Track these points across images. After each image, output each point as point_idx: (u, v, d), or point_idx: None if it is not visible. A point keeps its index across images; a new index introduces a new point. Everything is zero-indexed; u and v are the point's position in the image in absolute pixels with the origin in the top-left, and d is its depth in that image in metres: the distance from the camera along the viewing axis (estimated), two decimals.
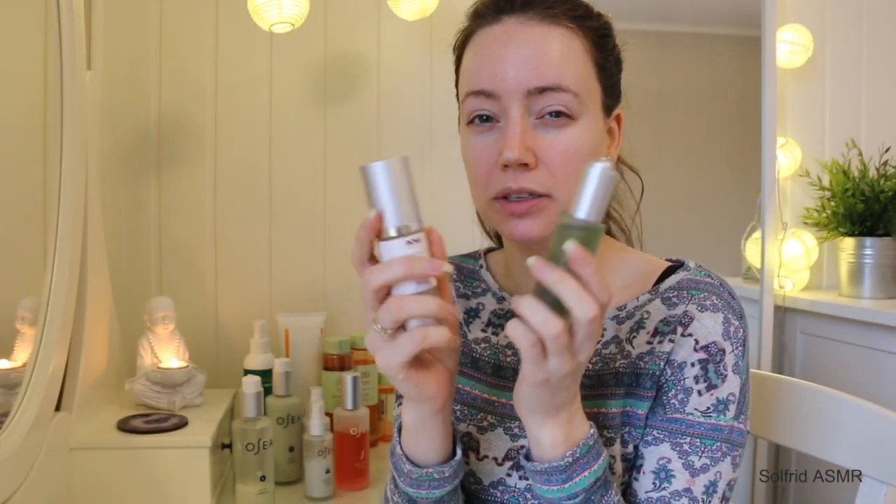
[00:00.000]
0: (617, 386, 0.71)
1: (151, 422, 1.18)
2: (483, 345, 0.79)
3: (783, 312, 1.71)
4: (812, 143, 1.76)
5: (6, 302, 1.05)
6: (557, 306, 0.54)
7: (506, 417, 0.75)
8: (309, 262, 1.58)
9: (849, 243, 1.65)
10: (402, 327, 0.58)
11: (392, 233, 0.58)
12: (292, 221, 1.58)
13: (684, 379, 0.69)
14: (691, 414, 0.68)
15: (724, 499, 0.69)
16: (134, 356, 1.32)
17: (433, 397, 0.63)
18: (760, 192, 1.68)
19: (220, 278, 1.55)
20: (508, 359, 0.77)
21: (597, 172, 0.55)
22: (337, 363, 1.38)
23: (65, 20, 1.04)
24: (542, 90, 0.66)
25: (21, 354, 1.02)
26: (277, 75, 1.57)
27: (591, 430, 0.63)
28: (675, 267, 0.75)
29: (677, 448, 0.68)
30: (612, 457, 0.69)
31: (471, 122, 0.70)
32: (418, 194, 0.59)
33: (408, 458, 0.68)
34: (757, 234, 1.73)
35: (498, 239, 0.89)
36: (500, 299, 0.81)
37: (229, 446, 1.22)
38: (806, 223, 1.75)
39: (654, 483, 0.68)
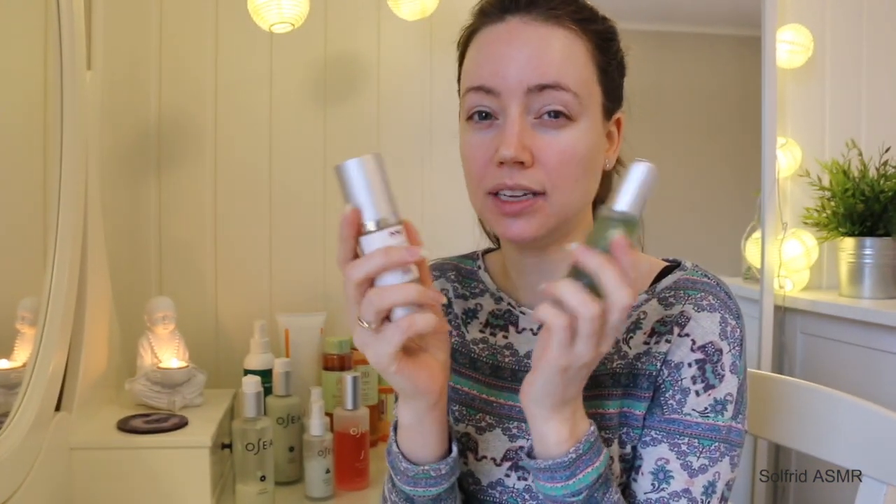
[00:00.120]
0: (614, 386, 0.71)
1: (151, 422, 1.18)
2: (481, 345, 0.79)
3: (783, 312, 1.71)
4: (812, 143, 1.76)
5: (6, 302, 1.05)
6: (592, 291, 0.56)
7: (504, 418, 0.75)
8: (309, 262, 1.59)
9: (849, 243, 1.65)
10: (387, 319, 0.58)
11: (371, 227, 0.58)
12: (292, 221, 1.58)
13: (682, 379, 0.69)
14: (689, 414, 0.68)
15: (723, 499, 0.69)
16: (134, 356, 1.33)
17: (427, 391, 0.63)
18: (760, 192, 1.68)
19: (220, 278, 1.56)
20: (506, 359, 0.77)
21: (641, 170, 0.57)
22: (337, 363, 1.38)
23: (65, 20, 1.04)
24: (542, 88, 0.67)
25: (21, 354, 1.02)
26: (277, 75, 1.57)
27: (592, 427, 0.64)
28: (672, 267, 0.75)
29: (675, 449, 0.68)
30: (611, 457, 0.69)
31: (470, 117, 0.70)
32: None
33: (404, 456, 0.68)
34: (757, 234, 1.73)
35: (497, 239, 0.88)
36: (498, 300, 0.81)
37: (229, 446, 1.22)
38: (806, 223, 1.75)
39: (652, 484, 0.68)
